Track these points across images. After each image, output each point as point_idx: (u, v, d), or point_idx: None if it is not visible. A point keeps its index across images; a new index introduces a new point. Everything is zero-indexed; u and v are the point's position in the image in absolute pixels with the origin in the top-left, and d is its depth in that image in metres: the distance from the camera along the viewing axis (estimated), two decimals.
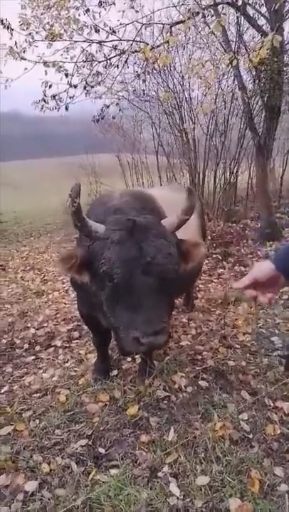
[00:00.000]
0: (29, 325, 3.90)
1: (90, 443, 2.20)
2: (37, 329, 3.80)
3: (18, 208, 14.03)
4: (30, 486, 1.91)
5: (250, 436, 2.16)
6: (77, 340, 3.52)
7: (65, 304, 4.47)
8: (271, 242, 6.30)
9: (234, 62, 4.31)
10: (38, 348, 3.44)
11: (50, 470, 2.01)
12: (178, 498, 1.80)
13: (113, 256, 1.68)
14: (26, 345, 3.49)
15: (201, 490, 1.83)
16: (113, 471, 1.98)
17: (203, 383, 2.67)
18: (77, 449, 2.15)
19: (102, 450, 2.15)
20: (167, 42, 4.98)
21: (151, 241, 1.70)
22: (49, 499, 1.84)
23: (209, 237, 6.72)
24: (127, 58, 5.22)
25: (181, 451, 2.05)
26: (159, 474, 1.94)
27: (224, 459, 1.98)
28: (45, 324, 3.91)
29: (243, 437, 2.16)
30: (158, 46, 5.35)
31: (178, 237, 2.27)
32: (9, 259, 7.14)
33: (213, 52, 5.77)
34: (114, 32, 5.32)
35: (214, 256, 5.85)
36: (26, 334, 3.70)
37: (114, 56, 5.37)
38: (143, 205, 2.05)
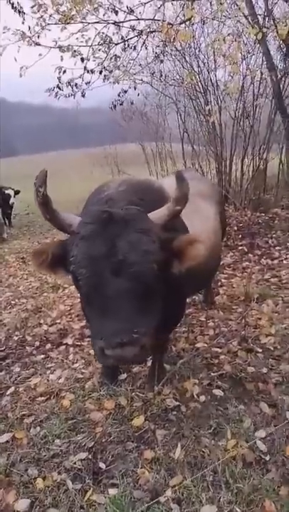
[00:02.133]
0: (42, 321, 3.80)
1: (90, 456, 2.03)
2: (50, 326, 3.70)
3: None
4: (21, 504, 1.77)
5: (267, 457, 1.91)
6: (89, 339, 3.36)
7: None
8: None
9: (259, 36, 3.91)
10: (48, 346, 3.32)
11: (45, 486, 1.86)
12: None
13: (80, 253, 1.47)
14: (37, 343, 3.39)
15: None
16: (112, 491, 1.81)
17: (217, 392, 2.43)
18: (75, 463, 1.99)
19: (102, 465, 1.98)
20: (189, 19, 4.64)
21: (127, 236, 1.46)
22: None
23: (235, 228, 6.36)
24: (145, 39, 4.91)
25: (187, 473, 1.84)
26: (161, 499, 1.73)
27: (234, 485, 1.74)
28: (58, 320, 3.79)
29: (258, 459, 1.91)
30: (180, 23, 5.02)
31: (187, 227, 2.03)
32: (31, 251, 7.11)
33: (238, 28, 5.32)
34: (132, 11, 5.02)
35: (240, 248, 5.49)
36: (38, 331, 3.59)
37: (132, 37, 5.07)
38: (142, 195, 1.78)
